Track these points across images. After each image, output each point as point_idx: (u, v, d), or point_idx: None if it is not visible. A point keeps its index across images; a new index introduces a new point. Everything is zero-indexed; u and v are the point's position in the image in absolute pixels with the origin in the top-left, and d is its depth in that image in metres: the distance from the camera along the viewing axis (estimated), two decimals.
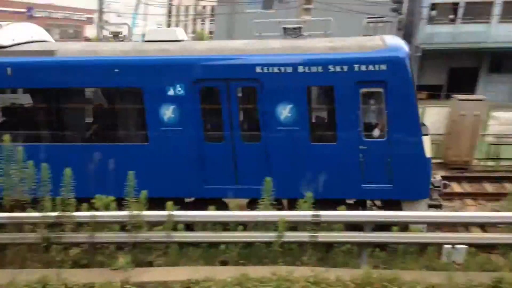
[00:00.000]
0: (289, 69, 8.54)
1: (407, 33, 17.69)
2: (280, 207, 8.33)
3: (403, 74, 8.36)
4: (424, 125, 9.09)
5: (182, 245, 7.60)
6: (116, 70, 8.82)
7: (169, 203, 7.43)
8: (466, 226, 9.38)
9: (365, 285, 6.38)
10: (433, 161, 9.87)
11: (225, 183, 9.00)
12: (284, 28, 9.38)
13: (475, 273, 6.71)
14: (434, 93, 27.35)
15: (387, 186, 8.63)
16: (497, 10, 28.03)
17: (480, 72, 29.95)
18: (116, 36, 10.03)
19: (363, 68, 8.37)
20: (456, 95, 15.03)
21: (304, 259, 7.27)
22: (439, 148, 14.53)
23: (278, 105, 8.65)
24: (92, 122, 9.74)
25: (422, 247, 7.46)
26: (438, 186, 9.36)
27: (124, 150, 9.08)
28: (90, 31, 61.03)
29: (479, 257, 7.50)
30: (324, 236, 7.20)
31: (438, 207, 9.15)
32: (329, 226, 7.35)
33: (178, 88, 8.80)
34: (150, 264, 7.38)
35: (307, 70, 8.51)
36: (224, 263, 7.38)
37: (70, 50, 9.40)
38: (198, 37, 49.14)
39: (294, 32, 9.36)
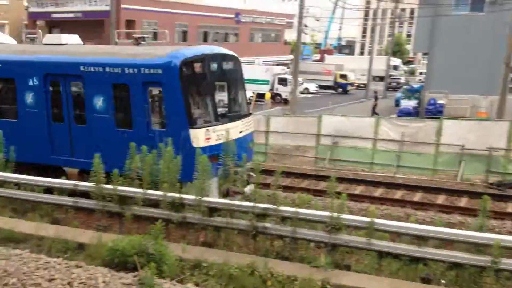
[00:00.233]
0: (101, 69, 10.94)
1: None
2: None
3: (174, 78, 10.24)
4: (226, 116, 11.16)
5: (382, 254, 7.47)
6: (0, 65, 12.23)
7: None
8: None
9: None
10: None
11: (64, 155, 11.58)
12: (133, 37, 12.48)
13: None
14: None
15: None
16: None
17: None
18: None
19: (147, 71, 10.46)
20: None
21: None
22: None
23: (94, 97, 11.08)
24: None
25: None
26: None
27: (6, 123, 11.99)
28: (289, 35, 64.47)
29: None
30: None
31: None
32: None
33: (35, 80, 11.71)
34: (348, 268, 7.42)
35: (111, 71, 10.83)
36: (426, 280, 7.00)
37: None
38: (395, 41, 47.70)
39: (137, 41, 12.36)
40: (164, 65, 10.31)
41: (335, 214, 7.54)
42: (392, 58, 55.99)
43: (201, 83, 10.97)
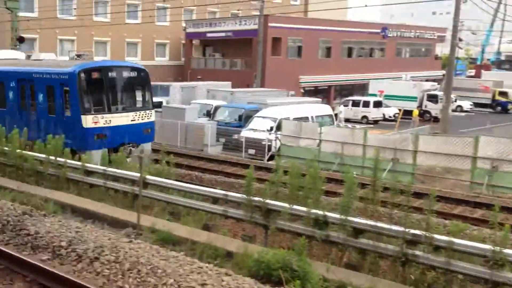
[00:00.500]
0: (41, 75, 16.55)
1: None
2: None
3: (73, 81, 15.32)
4: (116, 108, 16.08)
5: None
6: None
7: None
8: None
9: None
10: None
11: (29, 131, 15.04)
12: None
13: None
14: None
15: (68, 141, 14.08)
16: None
17: None
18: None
19: (62, 76, 15.83)
20: None
21: None
22: None
23: (39, 93, 16.55)
24: None
25: None
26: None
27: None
28: (440, 49, 60.83)
29: None
30: None
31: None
32: None
33: (13, 83, 17.45)
34: None
35: (46, 76, 16.41)
36: None
37: None
38: None
39: (78, 57, 18.76)
40: (69, 72, 15.62)
41: (498, 248, 6.75)
42: None
43: (95, 85, 15.77)
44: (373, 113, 39.26)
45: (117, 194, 11.34)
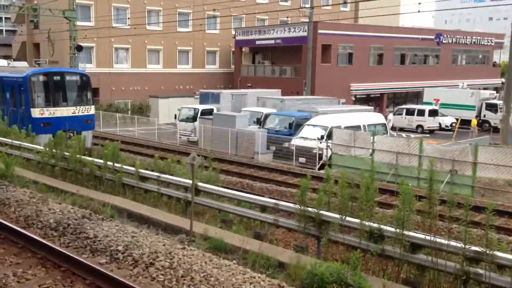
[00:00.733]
0: (8, 78, 22.48)
1: None
2: None
3: (26, 83, 20.75)
4: (59, 103, 21.55)
5: None
6: None
7: None
8: None
9: None
10: None
11: (9, 122, 20.51)
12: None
13: None
14: None
15: (24, 127, 18.88)
16: None
17: None
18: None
19: (19, 80, 21.37)
20: None
21: None
22: None
23: (7, 92, 22.52)
24: None
25: None
26: None
27: None
28: (498, 56, 58.35)
29: None
30: None
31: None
32: None
33: None
34: None
35: (10, 79, 22.28)
36: None
37: None
38: None
39: (38, 64, 28.76)
40: (23, 77, 21.09)
41: None
42: None
43: (43, 86, 21.08)
44: (429, 122, 38.03)
45: (170, 200, 11.55)
